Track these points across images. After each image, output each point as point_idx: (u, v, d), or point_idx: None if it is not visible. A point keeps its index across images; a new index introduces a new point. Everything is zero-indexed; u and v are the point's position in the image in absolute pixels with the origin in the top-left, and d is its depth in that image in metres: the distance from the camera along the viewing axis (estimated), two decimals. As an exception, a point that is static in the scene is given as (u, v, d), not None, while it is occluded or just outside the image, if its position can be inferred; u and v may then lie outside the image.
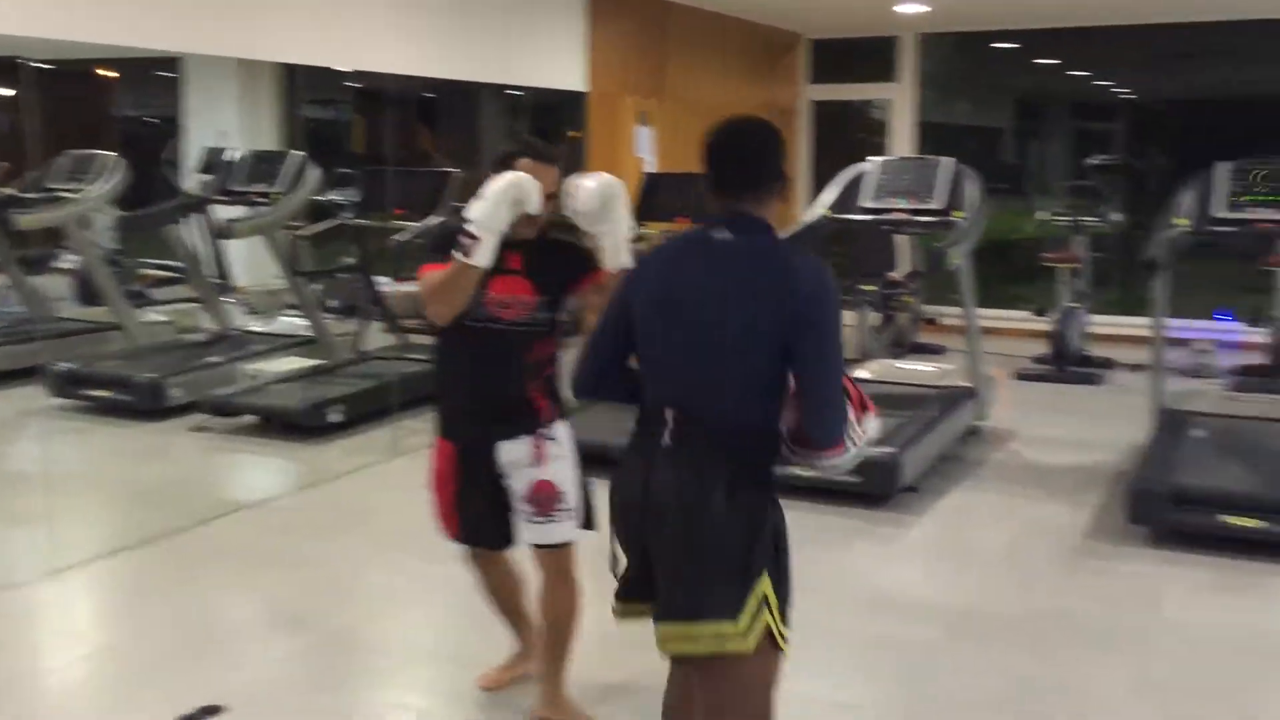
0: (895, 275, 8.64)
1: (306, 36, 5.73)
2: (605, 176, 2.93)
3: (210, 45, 5.39)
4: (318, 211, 7.23)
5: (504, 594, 3.34)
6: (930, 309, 9.14)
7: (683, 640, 2.23)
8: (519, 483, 3.03)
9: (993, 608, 4.12)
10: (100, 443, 6.28)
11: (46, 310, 7.31)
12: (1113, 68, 10.29)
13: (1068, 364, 8.04)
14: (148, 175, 7.20)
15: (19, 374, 6.42)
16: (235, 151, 7.12)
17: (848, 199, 6.13)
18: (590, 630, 3.85)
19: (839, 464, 2.32)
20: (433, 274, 2.90)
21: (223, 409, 6.34)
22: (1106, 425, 6.61)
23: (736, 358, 2.22)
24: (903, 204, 5.96)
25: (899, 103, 10.24)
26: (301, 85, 7.64)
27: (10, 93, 6.18)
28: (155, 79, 7.13)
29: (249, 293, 7.86)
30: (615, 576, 2.41)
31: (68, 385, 6.51)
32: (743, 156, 2.34)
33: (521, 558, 3.23)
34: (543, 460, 3.01)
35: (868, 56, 10.55)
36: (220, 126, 7.29)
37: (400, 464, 5.84)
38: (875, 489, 5.01)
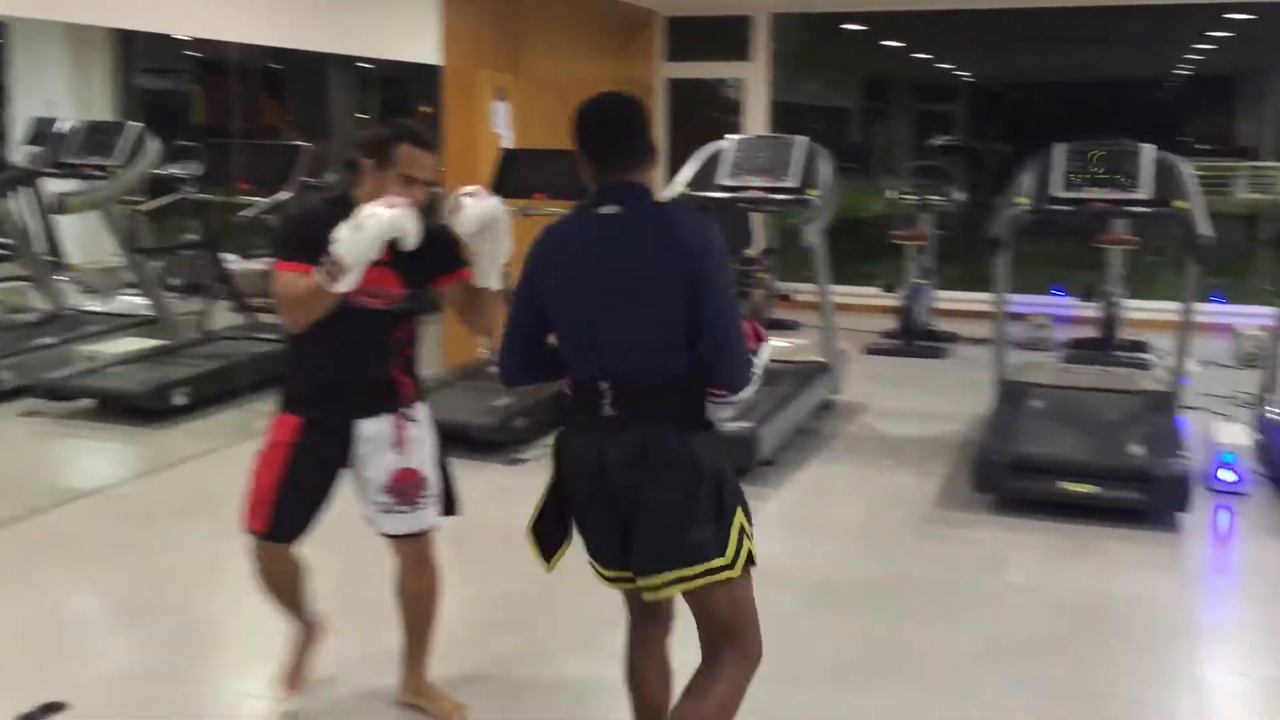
0: (751, 252, 8.79)
1: (141, 0, 5.46)
2: (491, 202, 2.85)
3: (34, 8, 5.10)
4: (157, 185, 6.94)
5: (290, 585, 3.13)
6: (784, 285, 9.31)
7: (680, 584, 2.36)
8: (377, 471, 2.93)
9: (848, 576, 4.24)
10: (-78, 430, 5.93)
11: None
12: (955, 51, 10.63)
13: (915, 338, 8.30)
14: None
15: None
16: (66, 122, 6.77)
17: (705, 177, 6.18)
18: (453, 614, 3.81)
19: (744, 397, 2.47)
20: (290, 283, 2.76)
21: (57, 393, 6.05)
22: (952, 397, 6.85)
23: (654, 321, 2.35)
24: (759, 182, 6.04)
25: (753, 82, 10.36)
26: (138, 53, 7.30)
27: None
28: (-24, 44, 6.72)
29: (84, 270, 7.51)
30: (544, 544, 2.61)
31: (-116, 370, 6.12)
32: (622, 130, 2.46)
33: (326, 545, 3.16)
34: (404, 444, 2.95)
35: (722, 35, 10.64)
36: (49, 96, 6.92)
37: (250, 448, 5.59)
38: (733, 463, 5.07)
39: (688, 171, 6.27)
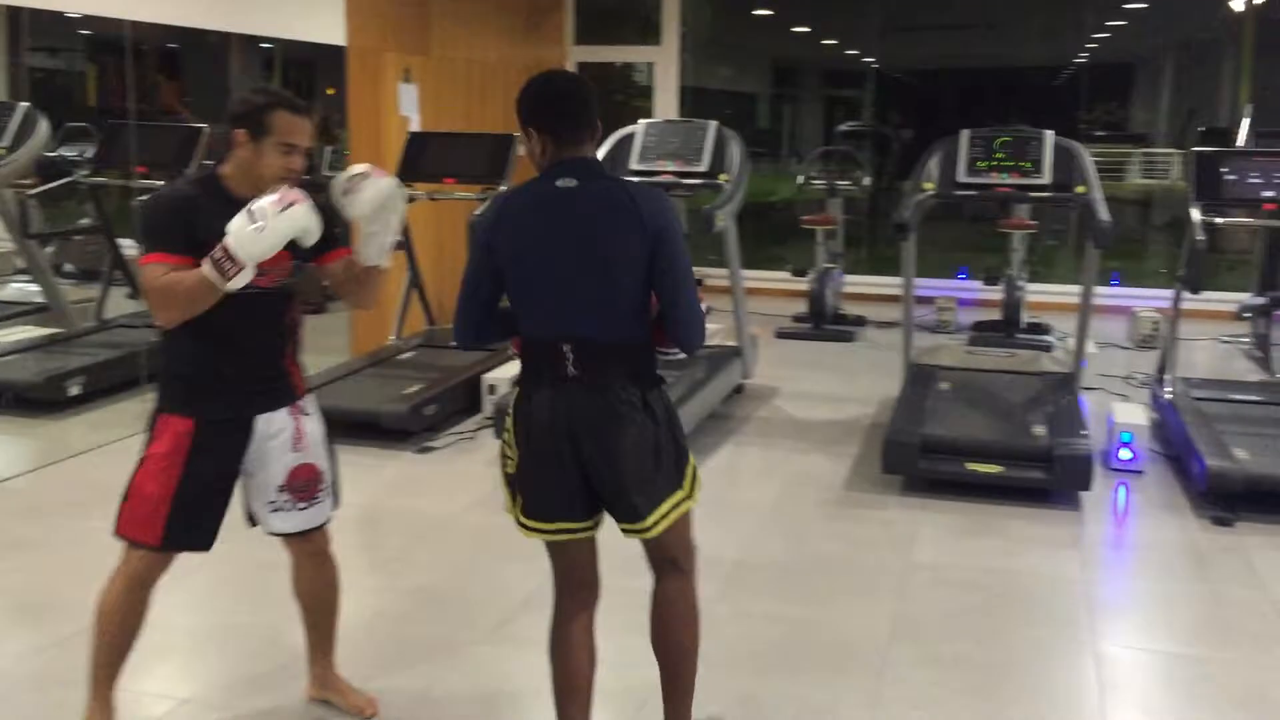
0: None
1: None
2: (389, 184, 2.75)
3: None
4: (49, 168, 6.70)
5: (142, 615, 2.86)
6: (695, 270, 9.32)
7: (664, 521, 2.62)
8: (274, 469, 2.81)
9: (760, 559, 4.26)
10: None
11: None
12: (861, 37, 10.74)
13: (824, 322, 8.39)
14: None
15: None
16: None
17: (616, 161, 6.16)
18: (363, 606, 3.75)
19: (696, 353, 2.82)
20: (166, 278, 2.57)
21: (-55, 384, 5.80)
22: (861, 380, 6.94)
23: (615, 287, 2.53)
24: (670, 166, 6.04)
25: (662, 66, 10.34)
26: (27, 31, 7.01)
27: None
28: None
29: (-29, 257, 7.21)
30: (520, 505, 2.65)
31: None
32: (578, 106, 2.58)
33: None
34: (301, 439, 2.85)
35: (632, 19, 10.61)
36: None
37: (151, 438, 5.51)
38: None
39: (599, 155, 6.23)
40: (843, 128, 11.21)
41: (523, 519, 2.65)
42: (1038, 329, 8.06)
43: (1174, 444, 5.32)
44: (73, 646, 3.47)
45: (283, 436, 2.82)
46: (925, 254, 6.42)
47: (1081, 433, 4.93)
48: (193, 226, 2.60)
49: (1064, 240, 10.58)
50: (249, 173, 2.68)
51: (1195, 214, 5.48)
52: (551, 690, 2.70)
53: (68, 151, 6.76)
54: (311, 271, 2.86)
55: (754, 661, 3.44)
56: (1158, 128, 11.20)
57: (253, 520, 2.91)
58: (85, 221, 6.95)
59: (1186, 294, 5.73)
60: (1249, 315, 7.50)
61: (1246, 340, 7.88)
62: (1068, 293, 8.78)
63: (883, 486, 4.98)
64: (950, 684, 3.33)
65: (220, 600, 3.77)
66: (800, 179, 8.95)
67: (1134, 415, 5.32)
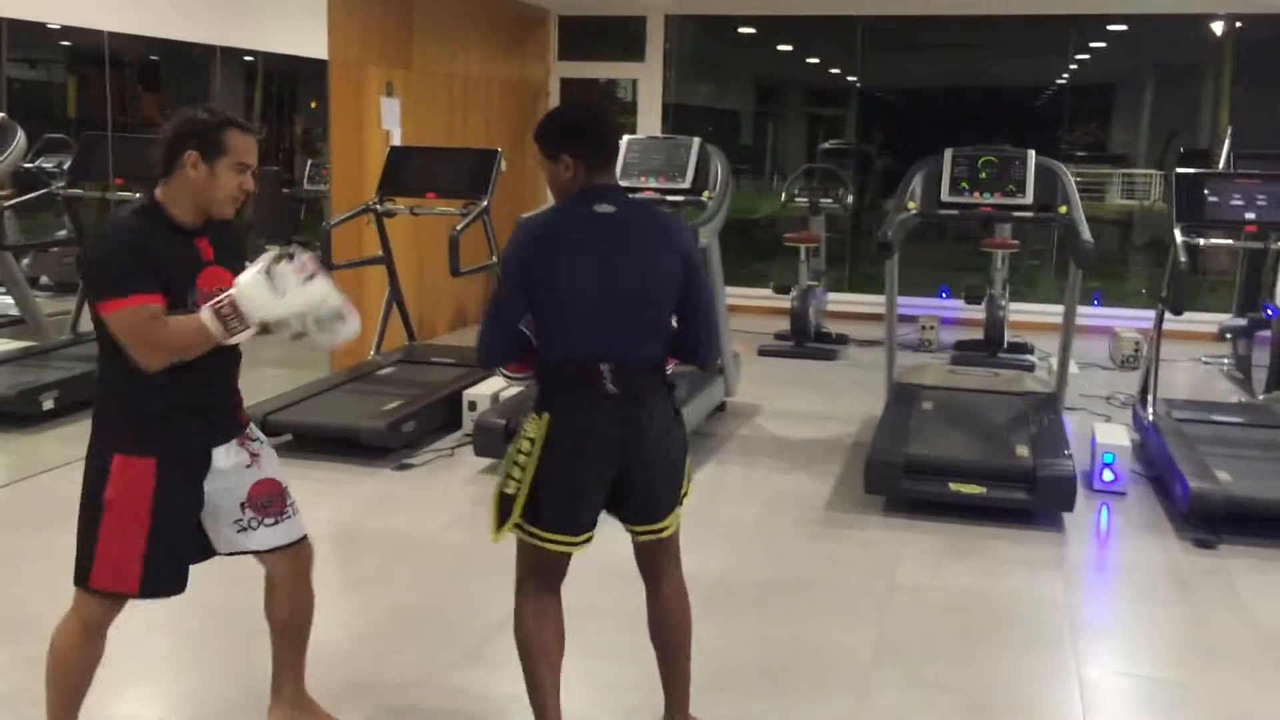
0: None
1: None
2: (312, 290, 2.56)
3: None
4: (25, 179, 6.63)
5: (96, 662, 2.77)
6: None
7: (673, 521, 2.82)
8: (235, 492, 2.70)
9: (744, 579, 4.22)
10: None
11: None
12: (845, 57, 10.77)
13: (807, 340, 8.37)
14: None
15: None
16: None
17: (599, 177, 6.13)
18: (338, 626, 3.70)
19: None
20: (159, 325, 2.46)
21: (-84, 397, 5.72)
22: (843, 398, 6.92)
23: (653, 308, 2.70)
24: (653, 183, 6.01)
25: (646, 83, 10.35)
26: (6, 42, 6.95)
27: None
28: None
29: (-54, 268, 7.12)
30: (546, 520, 2.69)
31: None
32: (612, 136, 2.78)
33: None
34: (255, 460, 2.76)
35: (616, 36, 10.61)
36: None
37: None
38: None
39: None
40: (825, 145, 11.22)
41: (544, 534, 2.70)
42: (1020, 348, 8.08)
43: (1156, 465, 5.32)
44: (36, 664, 3.39)
45: (237, 461, 2.72)
46: (907, 272, 6.42)
47: (1064, 453, 4.92)
48: (159, 262, 2.51)
49: (1045, 260, 10.62)
50: (198, 196, 2.57)
51: (1178, 235, 5.48)
52: (524, 661, 2.76)
53: (46, 163, 6.69)
54: None
55: (736, 682, 3.40)
56: (1138, 149, 11.25)
57: (210, 551, 2.79)
58: (62, 234, 6.88)
59: (1169, 315, 5.73)
60: (1230, 336, 7.53)
61: (1228, 361, 7.91)
62: (1049, 312, 8.81)
63: (865, 506, 4.95)
64: (933, 707, 3.30)
65: (191, 622, 3.70)
66: (783, 196, 8.95)
67: (1116, 436, 5.31)
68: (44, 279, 7.02)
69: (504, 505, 2.71)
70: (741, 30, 10.91)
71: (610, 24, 10.56)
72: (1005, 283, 8.21)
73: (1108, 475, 5.16)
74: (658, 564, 2.88)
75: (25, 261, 6.91)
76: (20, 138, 6.30)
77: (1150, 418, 5.64)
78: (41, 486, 5.04)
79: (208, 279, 2.60)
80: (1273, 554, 4.50)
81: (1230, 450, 5.20)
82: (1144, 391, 5.94)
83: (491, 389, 5.92)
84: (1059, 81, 10.80)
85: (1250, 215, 5.58)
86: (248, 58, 7.48)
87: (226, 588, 3.54)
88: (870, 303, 9.37)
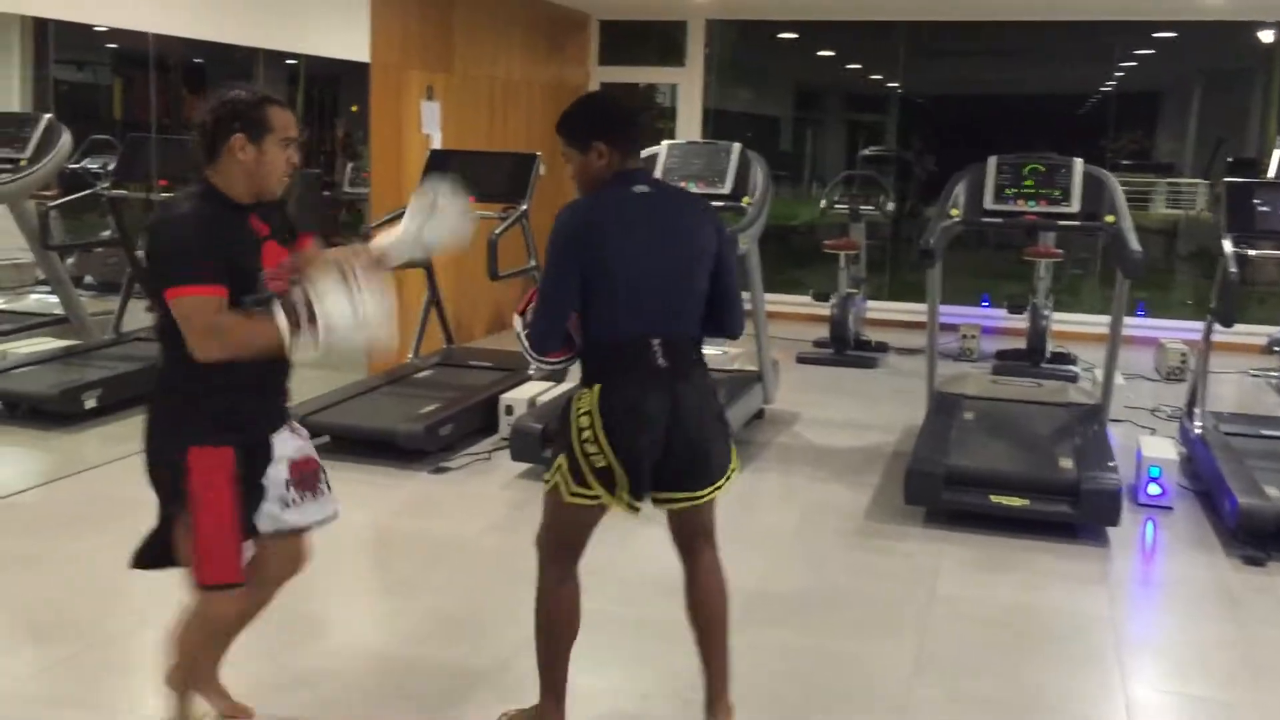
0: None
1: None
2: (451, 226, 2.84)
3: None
4: (71, 180, 6.69)
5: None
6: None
7: (716, 490, 2.87)
8: (280, 472, 2.71)
9: (781, 589, 4.17)
10: None
11: None
12: (885, 62, 10.69)
13: (846, 348, 8.30)
14: None
15: None
16: (-26, 112, 6.50)
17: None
18: (375, 629, 3.68)
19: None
20: (229, 321, 2.48)
21: (-39, 395, 5.79)
22: (882, 407, 6.85)
23: (696, 283, 2.80)
24: (693, 188, 5.96)
25: (686, 88, 10.32)
26: (54, 44, 7.03)
27: None
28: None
29: (-8, 267, 7.22)
30: (603, 491, 2.75)
31: None
32: (639, 121, 2.89)
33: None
34: (300, 439, 2.80)
35: (656, 40, 10.59)
36: (-43, 85, 6.64)
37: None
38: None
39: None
40: (865, 152, 11.15)
41: (630, 500, 2.77)
42: (1063, 359, 7.96)
43: (1204, 480, 5.21)
44: (79, 666, 3.42)
45: (289, 443, 2.75)
46: (948, 280, 6.34)
47: (1109, 466, 4.83)
48: (226, 252, 2.51)
49: (1088, 269, 10.48)
50: (250, 178, 2.58)
51: (1227, 245, 5.38)
52: (549, 635, 2.88)
53: (91, 164, 6.76)
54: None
55: (773, 696, 3.35)
56: (1184, 158, 11.09)
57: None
58: (106, 234, 6.94)
59: (1218, 326, 5.62)
60: (1279, 349, 7.38)
61: (1276, 374, 7.76)
62: (1091, 322, 8.71)
63: (904, 517, 4.88)
64: (975, 724, 3.24)
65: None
66: (823, 203, 8.89)
67: (1163, 449, 5.21)
68: (88, 278, 7.09)
69: (607, 478, 2.74)
70: (782, 35, 10.86)
71: (651, 28, 10.55)
72: (1048, 292, 8.10)
73: (1154, 489, 5.06)
74: (695, 542, 2.96)
75: (70, 261, 6.97)
76: (66, 139, 6.36)
77: (1198, 431, 5.53)
78: (82, 486, 5.07)
79: (269, 256, 2.61)
80: (1324, 572, 4.40)
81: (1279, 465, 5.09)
82: (1191, 404, 5.84)
83: (529, 393, 5.90)
84: (1103, 88, 10.67)
85: (1303, 225, 5.47)
86: (290, 61, 7.53)
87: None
88: (910, 310, 9.29)
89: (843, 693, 3.40)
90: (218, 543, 2.60)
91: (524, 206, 6.37)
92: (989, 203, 5.63)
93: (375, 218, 6.90)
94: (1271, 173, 7.68)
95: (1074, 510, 4.64)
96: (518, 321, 2.92)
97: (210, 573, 2.62)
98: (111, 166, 6.68)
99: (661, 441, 2.74)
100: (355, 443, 5.51)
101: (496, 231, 6.09)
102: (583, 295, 2.72)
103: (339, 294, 2.51)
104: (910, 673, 3.53)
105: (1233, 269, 5.31)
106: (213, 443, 2.58)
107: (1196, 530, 4.85)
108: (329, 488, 2.87)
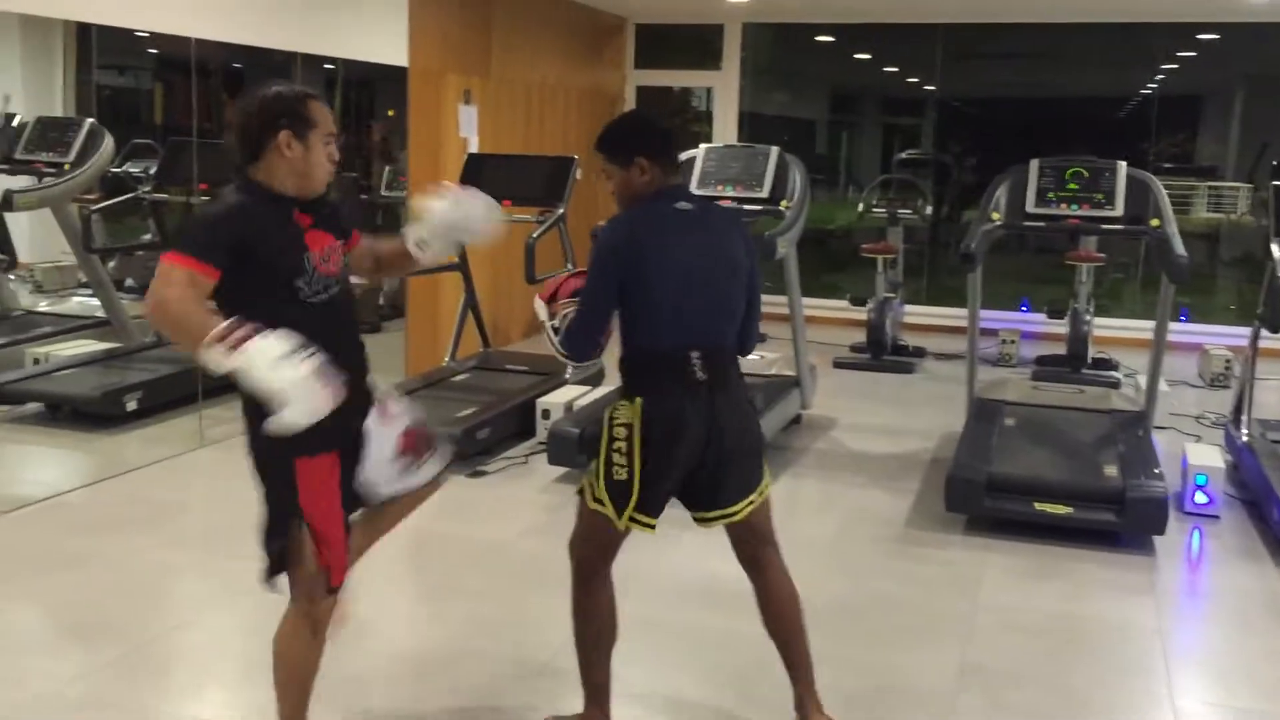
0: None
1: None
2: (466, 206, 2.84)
3: (-10, -2, 4.92)
4: (113, 184, 6.76)
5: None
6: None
7: (749, 506, 2.89)
8: (382, 448, 2.69)
9: (820, 597, 4.11)
10: None
11: None
12: (922, 65, 10.62)
13: (883, 353, 8.24)
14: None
15: None
16: (18, 116, 6.56)
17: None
18: (413, 634, 3.67)
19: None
20: (183, 296, 2.37)
21: (4, 396, 5.85)
22: (921, 413, 6.79)
23: (735, 298, 2.85)
24: (730, 192, 5.94)
25: (722, 91, 10.29)
26: (97, 49, 7.10)
27: None
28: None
29: (35, 270, 7.29)
30: (637, 502, 2.77)
31: None
32: (674, 140, 2.92)
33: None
34: (389, 414, 2.77)
35: (692, 44, 10.57)
36: (4, 90, 6.71)
37: (206, 455, 5.51)
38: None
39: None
40: (902, 155, 11.08)
41: (638, 516, 2.78)
42: (1104, 364, 7.86)
43: (1251, 488, 5.13)
44: (122, 669, 3.43)
45: (374, 424, 2.72)
46: (987, 285, 6.27)
47: (1155, 473, 4.76)
48: (247, 239, 2.47)
49: (1130, 274, 10.36)
50: (298, 172, 2.56)
51: (1276, 250, 5.29)
52: (589, 640, 2.90)
53: (133, 168, 6.82)
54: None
55: (814, 705, 3.32)
56: (1227, 161, 10.94)
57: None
58: (147, 237, 7.00)
59: (1264, 331, 5.53)
60: (1326, 355, 7.26)
61: (1322, 381, 7.62)
62: (1133, 327, 8.60)
63: (945, 525, 4.83)
64: (1020, 736, 3.19)
65: (273, 624, 3.71)
66: (860, 207, 8.83)
67: (1209, 457, 5.13)
68: (129, 282, 7.14)
69: (619, 491, 2.76)
70: (818, 38, 10.81)
71: (687, 32, 10.53)
72: (1089, 296, 8.00)
73: (1200, 498, 4.99)
74: (758, 551, 2.98)
75: (111, 264, 7.03)
76: (108, 143, 6.42)
77: (1244, 438, 5.45)
78: (124, 488, 5.10)
79: (313, 240, 2.59)
80: (1377, 584, 4.31)
81: (1330, 474, 5.00)
82: (1237, 411, 5.75)
83: (565, 397, 5.89)
84: (1145, 91, 10.54)
85: (1352, 229, 5.37)
86: (328, 65, 7.56)
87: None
88: (948, 315, 9.21)
89: (885, 702, 3.36)
90: (337, 548, 2.63)
91: (561, 209, 6.37)
92: (1031, 206, 5.57)
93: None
94: (1318, 176, 7.55)
95: (1119, 518, 4.57)
96: (541, 309, 2.94)
97: (339, 575, 2.66)
98: (153, 170, 6.74)
99: (698, 454, 2.76)
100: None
101: (534, 235, 6.09)
102: (625, 307, 2.76)
103: (286, 355, 2.31)
104: (953, 682, 3.48)
105: (1280, 274, 5.22)
106: (315, 452, 2.54)
107: (1244, 539, 4.77)
108: (440, 442, 2.91)
